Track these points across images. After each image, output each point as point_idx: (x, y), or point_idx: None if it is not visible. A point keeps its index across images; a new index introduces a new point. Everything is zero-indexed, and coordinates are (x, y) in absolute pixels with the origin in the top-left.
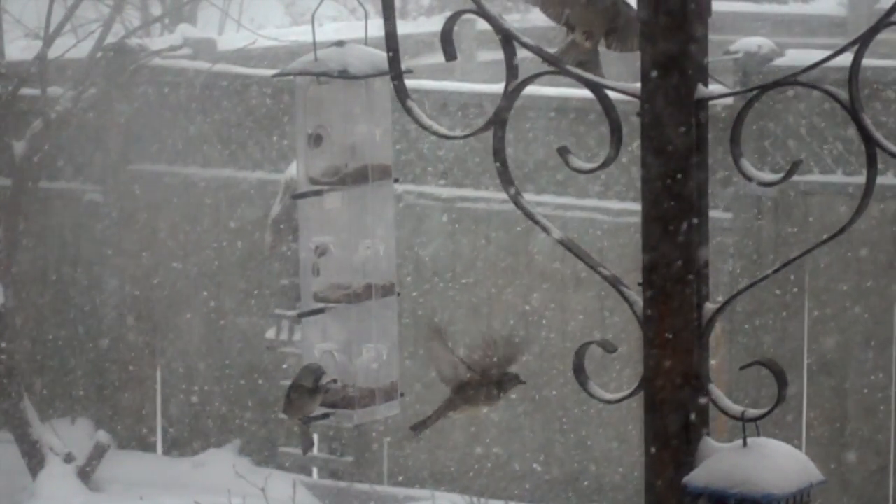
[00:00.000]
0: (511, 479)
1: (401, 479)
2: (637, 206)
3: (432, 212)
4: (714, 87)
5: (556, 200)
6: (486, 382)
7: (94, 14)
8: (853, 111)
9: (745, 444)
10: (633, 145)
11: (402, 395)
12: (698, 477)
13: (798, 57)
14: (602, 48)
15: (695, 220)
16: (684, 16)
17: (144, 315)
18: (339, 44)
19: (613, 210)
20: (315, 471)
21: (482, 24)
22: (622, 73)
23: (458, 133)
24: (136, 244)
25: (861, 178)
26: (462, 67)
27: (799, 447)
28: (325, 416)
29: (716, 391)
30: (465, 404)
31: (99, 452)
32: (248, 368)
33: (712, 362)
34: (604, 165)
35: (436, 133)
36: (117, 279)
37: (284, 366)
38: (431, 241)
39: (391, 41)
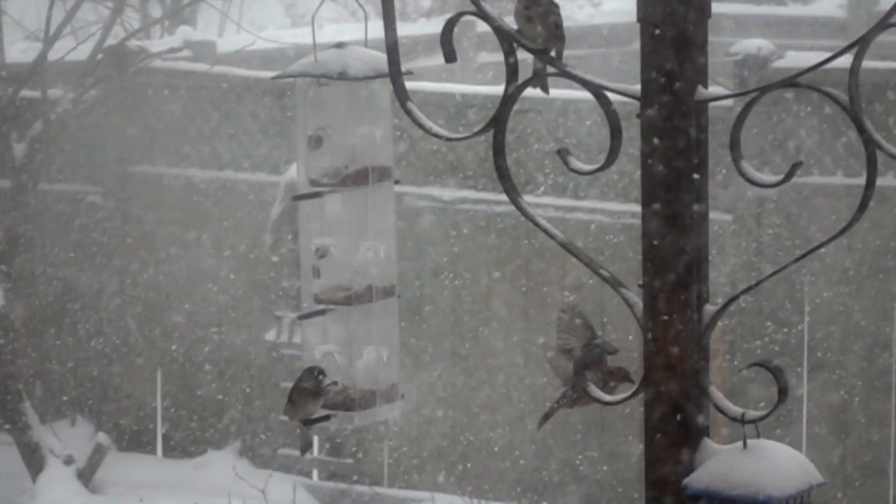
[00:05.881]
0: (511, 480)
1: (401, 480)
2: (637, 208)
3: (433, 213)
4: (714, 89)
5: (556, 202)
6: (599, 377)
7: (94, 16)
8: (853, 113)
9: (745, 445)
10: (633, 147)
11: (402, 396)
12: (698, 478)
13: (798, 59)
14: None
15: (695, 222)
16: (684, 17)
17: (144, 317)
18: (339, 45)
19: (613, 211)
20: (315, 472)
21: (482, 26)
22: (622, 75)
23: (458, 135)
24: (136, 246)
25: (861, 180)
26: (462, 69)
27: (799, 448)
28: (326, 417)
29: (716, 392)
30: (579, 399)
31: (99, 454)
32: (248, 370)
33: (712, 364)
34: (604, 167)
35: (436, 135)
36: (117, 281)
37: (284, 367)
38: (432, 242)
39: (391, 42)
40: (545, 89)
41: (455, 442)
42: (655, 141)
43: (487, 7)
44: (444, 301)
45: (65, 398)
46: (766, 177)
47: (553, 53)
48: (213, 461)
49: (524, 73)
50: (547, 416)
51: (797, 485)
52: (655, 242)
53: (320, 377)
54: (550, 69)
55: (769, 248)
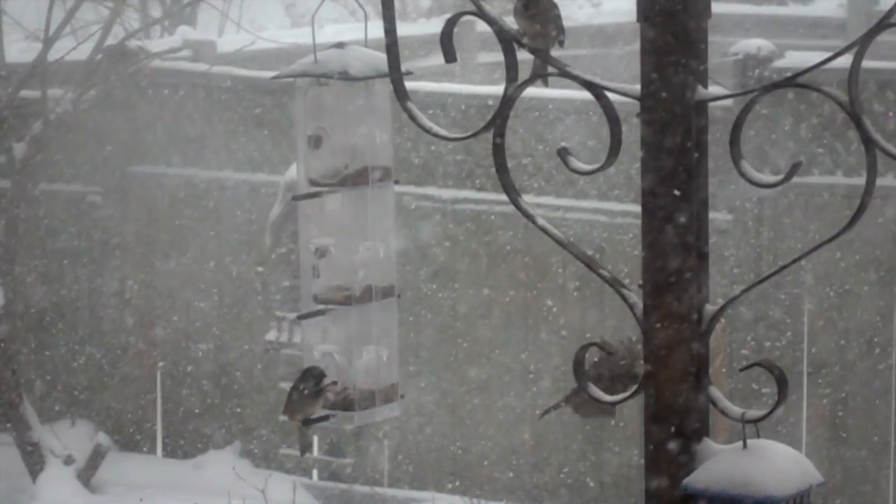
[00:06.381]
0: (510, 480)
1: (401, 480)
2: (637, 208)
3: (432, 213)
4: (714, 89)
5: (556, 202)
6: (608, 381)
7: (94, 16)
8: (853, 113)
9: (744, 445)
10: (632, 147)
11: (402, 396)
12: (698, 479)
13: (798, 58)
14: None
15: (695, 222)
16: (684, 17)
17: (144, 316)
18: (340, 45)
19: (613, 211)
20: (315, 472)
21: (482, 26)
22: (622, 75)
23: (458, 135)
24: (136, 245)
25: (860, 180)
26: (462, 69)
27: (799, 448)
28: (326, 417)
29: (716, 392)
30: (584, 401)
31: (99, 454)
32: (248, 370)
33: (712, 364)
34: (603, 167)
35: (435, 135)
36: (117, 280)
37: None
38: (431, 242)
39: (391, 42)
40: (545, 82)
41: (454, 442)
42: (655, 141)
43: (487, 7)
44: (442, 301)
45: (65, 398)
46: (766, 177)
47: (552, 51)
48: (213, 461)
49: (524, 73)
50: (549, 410)
51: (797, 485)
52: (655, 242)
53: (320, 377)
54: (550, 69)
55: (769, 248)
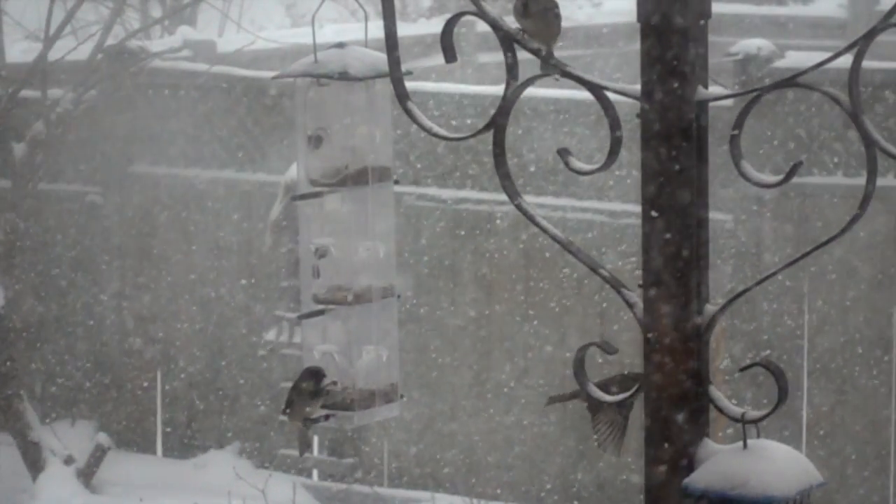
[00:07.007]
0: (511, 481)
1: (401, 480)
2: (637, 208)
3: (432, 213)
4: (714, 89)
5: (556, 202)
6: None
7: (95, 16)
8: (853, 113)
9: (745, 445)
10: (633, 147)
11: (402, 396)
12: (698, 479)
13: (798, 59)
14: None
15: (695, 222)
16: (684, 17)
17: (144, 316)
18: (340, 45)
19: (613, 212)
20: (315, 472)
21: (483, 26)
22: (622, 75)
23: (458, 135)
24: (136, 246)
25: (861, 180)
26: (462, 69)
27: (799, 448)
28: (326, 417)
29: (715, 392)
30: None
31: (99, 454)
32: (248, 370)
33: (712, 364)
34: (604, 167)
35: (436, 135)
36: (117, 281)
37: (285, 368)
38: (431, 242)
39: (391, 42)
40: (555, 78)
41: (455, 443)
42: (655, 141)
43: (487, 7)
44: (442, 301)
45: (65, 398)
46: (766, 177)
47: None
48: (213, 461)
49: (524, 73)
50: (555, 400)
51: (797, 485)
52: (655, 242)
53: (320, 377)
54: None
55: (769, 248)
